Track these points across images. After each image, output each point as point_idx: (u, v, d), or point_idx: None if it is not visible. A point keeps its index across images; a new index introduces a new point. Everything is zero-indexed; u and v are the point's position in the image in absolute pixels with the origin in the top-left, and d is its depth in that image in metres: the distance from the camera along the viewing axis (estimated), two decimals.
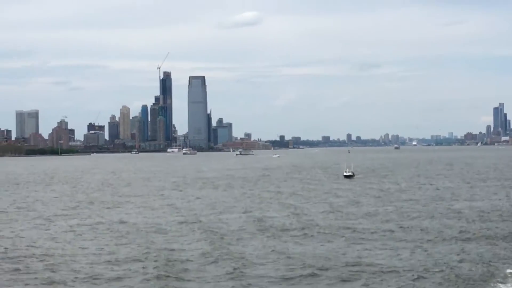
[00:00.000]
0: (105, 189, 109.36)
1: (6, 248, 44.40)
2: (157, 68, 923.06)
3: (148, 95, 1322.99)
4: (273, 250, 41.87)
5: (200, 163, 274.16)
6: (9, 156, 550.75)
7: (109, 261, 39.22)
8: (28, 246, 45.81)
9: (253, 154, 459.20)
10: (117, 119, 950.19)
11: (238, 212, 66.05)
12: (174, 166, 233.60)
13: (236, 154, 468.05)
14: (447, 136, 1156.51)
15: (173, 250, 42.90)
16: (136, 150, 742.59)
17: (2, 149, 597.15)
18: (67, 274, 35.68)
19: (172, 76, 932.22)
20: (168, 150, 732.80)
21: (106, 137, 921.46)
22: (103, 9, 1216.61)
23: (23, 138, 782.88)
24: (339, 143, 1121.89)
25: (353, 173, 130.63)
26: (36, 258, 40.80)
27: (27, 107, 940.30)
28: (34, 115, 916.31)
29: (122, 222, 59.40)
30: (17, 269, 37.21)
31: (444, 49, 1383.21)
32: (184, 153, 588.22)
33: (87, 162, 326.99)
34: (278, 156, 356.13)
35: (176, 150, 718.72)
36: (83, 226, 56.58)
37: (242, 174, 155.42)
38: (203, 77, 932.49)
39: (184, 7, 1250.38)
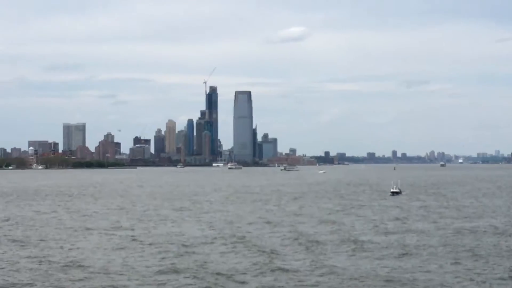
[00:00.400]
0: (157, 202, 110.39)
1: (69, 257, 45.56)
2: (204, 82, 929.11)
3: (194, 110, 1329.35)
4: (322, 265, 42.61)
5: (246, 178, 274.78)
6: (57, 168, 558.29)
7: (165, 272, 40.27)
8: (99, 258, 46.94)
9: (297, 170, 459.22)
10: (163, 133, 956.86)
11: (287, 226, 66.71)
12: (222, 181, 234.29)
13: (281, 170, 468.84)
14: (493, 154, 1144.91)
15: (224, 263, 44.00)
16: (181, 164, 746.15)
17: (50, 161, 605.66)
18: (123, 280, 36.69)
19: (218, 91, 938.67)
20: (213, 164, 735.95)
21: (152, 150, 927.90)
22: (151, 24, 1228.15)
23: (70, 150, 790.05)
24: (384, 160, 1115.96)
25: (400, 190, 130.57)
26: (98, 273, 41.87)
27: (74, 120, 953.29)
28: (81, 128, 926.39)
29: (179, 234, 60.72)
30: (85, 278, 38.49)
31: (495, 66, 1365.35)
32: (229, 168, 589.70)
33: (135, 175, 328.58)
34: (324, 172, 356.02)
35: (221, 164, 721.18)
36: (140, 238, 57.70)
37: (291, 189, 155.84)
38: (249, 92, 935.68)
39: (232, 22, 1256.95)
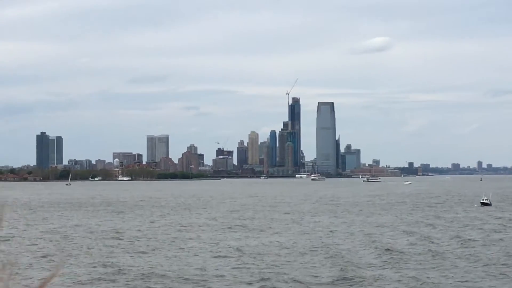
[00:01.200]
0: (255, 211, 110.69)
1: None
2: (286, 94, 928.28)
3: (276, 121, 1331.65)
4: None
5: (331, 189, 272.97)
6: (141, 180, 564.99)
7: None
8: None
9: (380, 181, 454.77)
10: (245, 144, 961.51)
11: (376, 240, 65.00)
12: (309, 191, 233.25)
13: (364, 181, 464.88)
14: None
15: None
16: (265, 175, 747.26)
17: (135, 172, 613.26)
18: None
19: (301, 102, 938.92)
20: (297, 175, 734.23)
21: (235, 162, 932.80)
22: (235, 36, 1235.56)
23: (153, 162, 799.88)
24: (469, 171, 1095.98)
25: (490, 201, 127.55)
26: None
27: (157, 132, 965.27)
28: (165, 140, 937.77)
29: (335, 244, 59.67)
30: None
31: None
32: (312, 179, 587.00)
33: (223, 187, 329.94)
34: (410, 183, 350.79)
35: (305, 176, 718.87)
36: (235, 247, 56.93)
37: (380, 201, 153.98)
38: (332, 103, 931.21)
39: (315, 33, 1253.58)
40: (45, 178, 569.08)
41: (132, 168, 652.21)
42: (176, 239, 66.59)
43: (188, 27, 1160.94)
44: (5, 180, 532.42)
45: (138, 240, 66.17)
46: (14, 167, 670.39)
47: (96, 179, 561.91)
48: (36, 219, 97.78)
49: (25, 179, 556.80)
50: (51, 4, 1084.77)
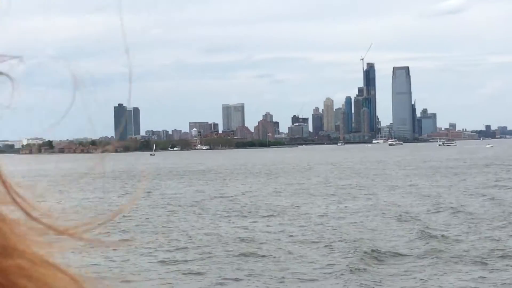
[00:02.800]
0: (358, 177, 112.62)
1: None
2: (360, 59, 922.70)
3: (351, 87, 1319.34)
4: None
5: (412, 153, 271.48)
6: (220, 149, 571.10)
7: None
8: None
9: (455, 145, 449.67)
10: (320, 111, 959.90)
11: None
12: (393, 156, 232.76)
13: (439, 145, 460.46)
14: None
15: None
16: (342, 141, 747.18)
17: (213, 142, 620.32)
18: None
19: (376, 67, 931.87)
20: (373, 141, 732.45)
21: (310, 129, 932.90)
22: (306, 2, 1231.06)
23: (230, 131, 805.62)
24: None
25: None
26: None
27: (231, 101, 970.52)
28: (240, 109, 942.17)
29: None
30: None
31: None
32: (389, 144, 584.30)
33: (306, 153, 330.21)
34: (491, 146, 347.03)
35: (381, 141, 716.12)
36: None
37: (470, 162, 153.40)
38: (407, 67, 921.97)
39: None
40: (126, 149, 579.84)
41: (210, 137, 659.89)
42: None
43: None
44: (87, 152, 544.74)
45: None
46: (93, 138, 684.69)
47: (175, 148, 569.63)
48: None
49: (106, 151, 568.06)
50: None
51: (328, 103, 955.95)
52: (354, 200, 70.19)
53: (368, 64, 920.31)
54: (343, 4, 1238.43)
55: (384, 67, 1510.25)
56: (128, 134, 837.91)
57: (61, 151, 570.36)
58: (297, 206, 64.52)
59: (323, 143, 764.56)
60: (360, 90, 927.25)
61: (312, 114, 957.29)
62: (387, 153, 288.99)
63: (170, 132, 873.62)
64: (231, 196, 78.20)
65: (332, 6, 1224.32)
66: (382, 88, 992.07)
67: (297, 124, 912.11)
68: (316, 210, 60.76)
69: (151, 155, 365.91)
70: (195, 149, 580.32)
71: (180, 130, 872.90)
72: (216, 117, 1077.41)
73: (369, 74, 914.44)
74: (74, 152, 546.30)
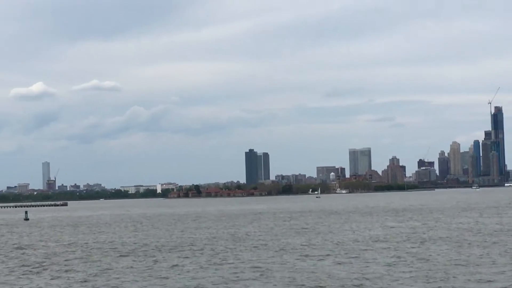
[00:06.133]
0: None
1: None
2: (488, 103, 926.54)
3: (475, 130, 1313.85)
4: None
5: None
6: (359, 192, 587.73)
7: None
8: None
9: None
10: (446, 154, 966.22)
11: None
12: None
13: None
14: None
15: None
16: (477, 185, 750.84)
17: (352, 185, 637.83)
18: None
19: (503, 110, 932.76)
20: (506, 184, 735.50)
21: (437, 172, 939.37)
22: (427, 46, 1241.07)
23: (356, 175, 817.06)
24: None
25: None
26: None
27: (353, 144, 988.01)
28: (367, 153, 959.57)
29: None
30: None
31: None
32: None
33: (464, 196, 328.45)
34: None
35: None
36: None
37: None
38: None
39: None
40: (269, 193, 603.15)
41: (349, 181, 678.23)
42: None
43: (379, 38, 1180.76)
44: (234, 196, 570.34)
45: None
46: (220, 182, 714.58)
47: (315, 192, 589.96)
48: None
49: (252, 194, 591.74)
50: (245, 23, 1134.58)
51: (455, 146, 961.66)
52: None
53: (496, 107, 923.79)
54: (468, 45, 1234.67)
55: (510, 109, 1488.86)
56: (259, 178, 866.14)
57: (208, 195, 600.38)
58: None
59: (453, 187, 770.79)
60: (487, 133, 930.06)
61: (438, 158, 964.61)
62: None
63: (298, 177, 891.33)
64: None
65: (455, 48, 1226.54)
66: (510, 132, 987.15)
67: (423, 168, 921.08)
68: None
69: (317, 197, 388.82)
70: (335, 192, 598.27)
71: (304, 175, 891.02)
72: (339, 161, 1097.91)
73: (497, 117, 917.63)
74: (221, 196, 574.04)
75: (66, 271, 50.65)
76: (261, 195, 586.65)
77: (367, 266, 47.17)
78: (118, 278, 45.38)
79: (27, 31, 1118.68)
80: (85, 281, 44.24)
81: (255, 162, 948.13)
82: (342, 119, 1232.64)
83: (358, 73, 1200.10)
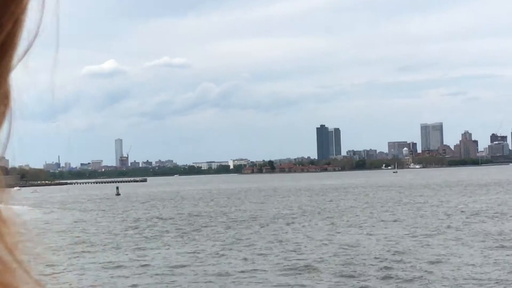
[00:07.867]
0: None
1: None
2: None
3: None
4: None
5: None
6: (433, 167, 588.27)
7: None
8: None
9: None
10: None
11: None
12: None
13: None
14: None
15: None
16: None
17: (425, 160, 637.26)
18: None
19: None
20: None
21: (510, 147, 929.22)
22: (502, 18, 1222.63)
23: (428, 150, 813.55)
24: None
25: None
26: None
27: (425, 119, 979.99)
28: (439, 128, 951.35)
29: None
30: None
31: None
32: None
33: None
34: None
35: None
36: None
37: None
38: None
39: None
40: (342, 168, 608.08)
41: (423, 156, 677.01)
42: None
43: (455, 10, 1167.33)
44: (307, 171, 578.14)
45: None
46: (291, 158, 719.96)
47: (389, 167, 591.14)
48: None
49: (325, 170, 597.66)
50: None
51: None
52: None
53: None
54: None
55: None
56: (330, 154, 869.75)
57: (282, 170, 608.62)
58: None
59: None
60: None
61: (511, 132, 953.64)
62: None
63: (370, 152, 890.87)
64: None
65: None
66: None
67: (496, 142, 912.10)
68: None
69: (394, 172, 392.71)
70: (408, 167, 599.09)
71: (375, 150, 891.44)
72: (412, 136, 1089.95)
73: None
74: (295, 171, 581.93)
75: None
76: (334, 170, 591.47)
77: None
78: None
79: (99, 10, 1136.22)
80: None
81: (327, 137, 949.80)
82: (413, 94, 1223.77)
83: (432, 47, 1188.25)
